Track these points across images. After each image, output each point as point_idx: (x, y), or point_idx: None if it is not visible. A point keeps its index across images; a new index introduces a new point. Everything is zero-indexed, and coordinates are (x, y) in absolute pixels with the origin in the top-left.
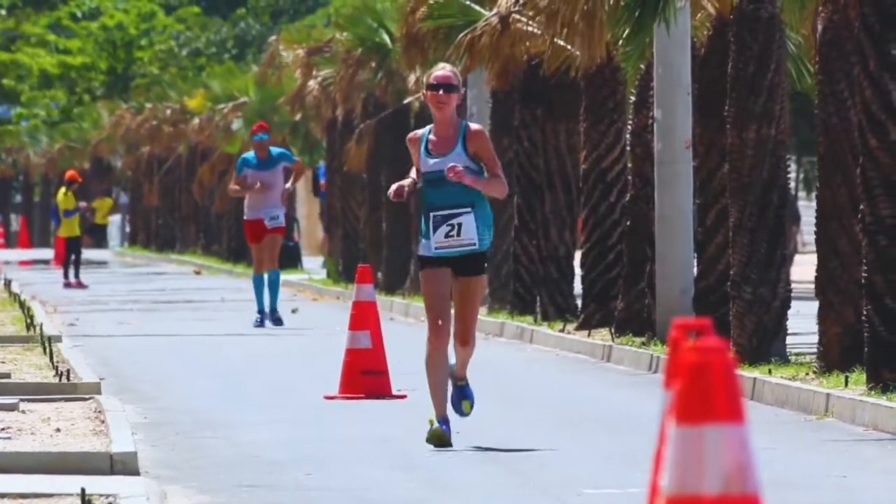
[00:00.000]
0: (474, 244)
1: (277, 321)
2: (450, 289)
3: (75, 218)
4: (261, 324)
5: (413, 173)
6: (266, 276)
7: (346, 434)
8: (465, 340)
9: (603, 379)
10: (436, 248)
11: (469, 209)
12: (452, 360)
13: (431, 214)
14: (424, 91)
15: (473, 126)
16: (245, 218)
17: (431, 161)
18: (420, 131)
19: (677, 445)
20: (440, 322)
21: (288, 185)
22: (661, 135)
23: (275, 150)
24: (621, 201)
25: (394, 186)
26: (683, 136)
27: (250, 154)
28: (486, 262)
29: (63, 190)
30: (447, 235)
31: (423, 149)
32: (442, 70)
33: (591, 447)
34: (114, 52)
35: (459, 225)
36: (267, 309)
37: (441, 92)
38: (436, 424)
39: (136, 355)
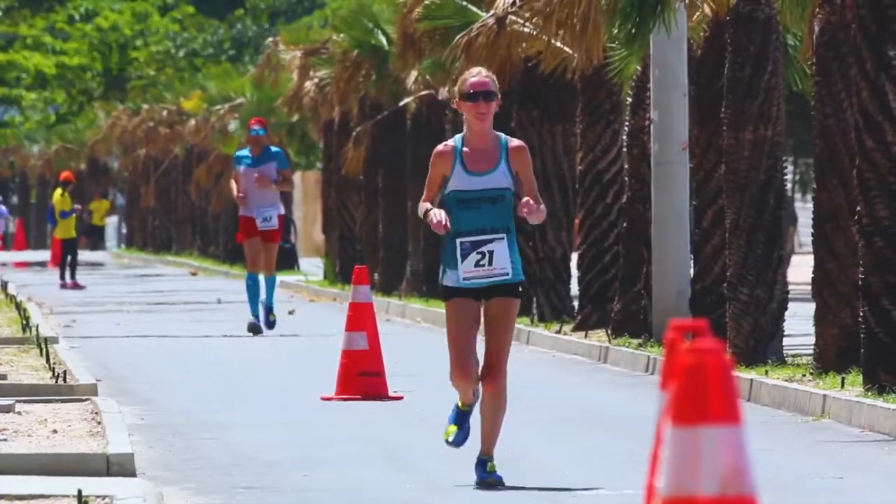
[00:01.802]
0: (507, 274)
1: (271, 324)
2: (479, 321)
3: (71, 219)
4: (256, 326)
5: (426, 204)
6: (261, 277)
7: (342, 435)
8: (495, 373)
9: (599, 380)
10: (464, 279)
11: (502, 236)
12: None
13: (459, 241)
14: (457, 100)
15: (514, 141)
16: (240, 214)
17: (471, 178)
18: (451, 143)
19: (674, 447)
20: (466, 358)
21: (273, 186)
22: (657, 136)
23: (272, 148)
24: (618, 203)
25: (436, 219)
26: (680, 138)
27: (245, 150)
28: (520, 288)
29: (59, 191)
30: (477, 265)
31: (458, 163)
32: (478, 76)
33: (588, 448)
34: (108, 54)
35: (491, 253)
36: (261, 311)
37: (481, 101)
38: (451, 437)
39: (133, 357)
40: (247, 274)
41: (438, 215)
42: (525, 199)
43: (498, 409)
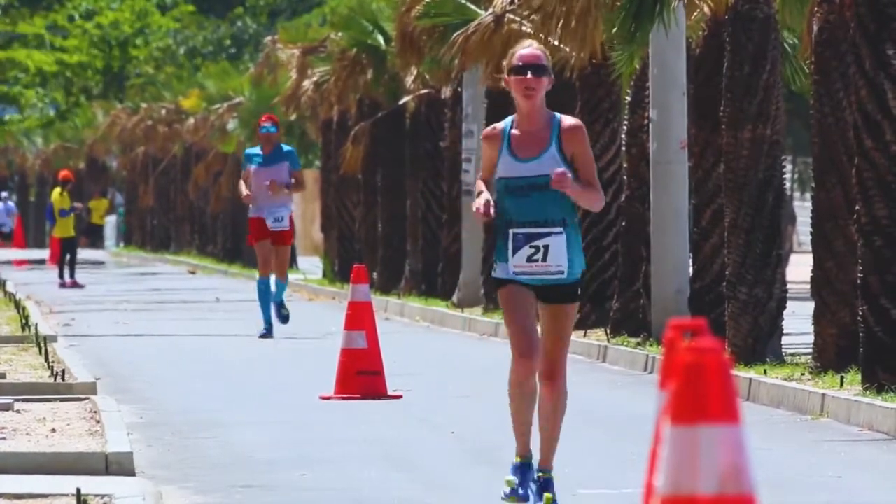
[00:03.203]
0: (562, 272)
1: (284, 318)
2: (535, 308)
3: (70, 218)
4: (267, 334)
5: (480, 184)
6: (272, 280)
7: (341, 434)
8: (554, 375)
9: (598, 379)
10: (514, 273)
11: (560, 228)
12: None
13: (511, 232)
14: (506, 76)
15: (569, 119)
16: (249, 215)
17: (518, 164)
18: (500, 125)
19: (672, 446)
20: (529, 335)
21: (286, 190)
22: (656, 135)
23: (285, 146)
24: (617, 201)
25: (480, 204)
26: (679, 137)
27: (256, 148)
28: (579, 290)
29: (58, 190)
30: (530, 259)
31: (505, 147)
32: (528, 48)
33: (587, 448)
34: (109, 51)
35: (546, 248)
36: (272, 312)
37: (529, 75)
38: (515, 484)
39: (132, 355)
40: (258, 279)
41: (479, 202)
42: (559, 169)
43: (558, 411)
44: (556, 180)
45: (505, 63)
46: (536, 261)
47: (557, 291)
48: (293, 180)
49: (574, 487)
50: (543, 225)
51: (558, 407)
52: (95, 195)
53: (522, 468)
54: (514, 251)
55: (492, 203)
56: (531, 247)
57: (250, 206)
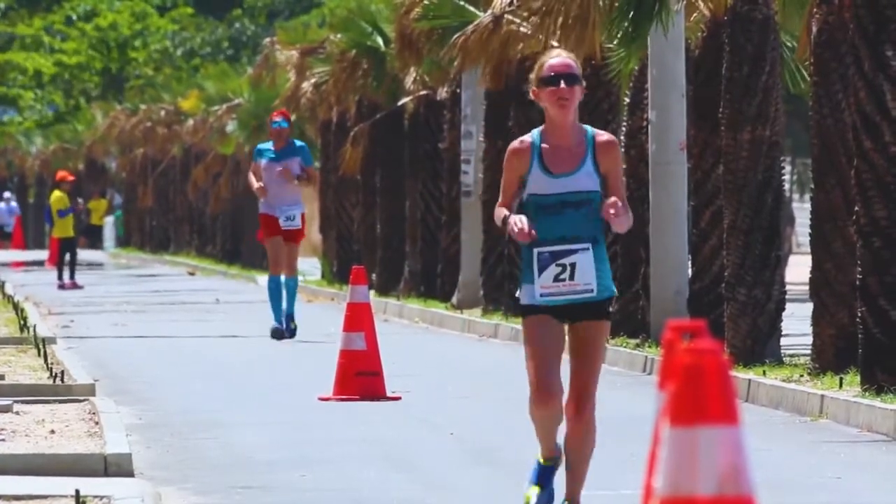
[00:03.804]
0: (591, 291)
1: (292, 332)
2: (563, 341)
3: (69, 218)
4: (279, 331)
5: (502, 210)
6: (283, 281)
7: (340, 435)
8: (582, 405)
9: None
10: (541, 295)
11: (588, 245)
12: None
13: (536, 251)
14: (534, 88)
15: (604, 134)
16: (260, 211)
17: (551, 180)
18: (528, 138)
19: (671, 447)
20: (550, 380)
21: (296, 182)
22: (655, 136)
23: (297, 142)
24: None
25: (517, 227)
26: (678, 138)
27: (267, 144)
28: (610, 307)
29: (57, 192)
30: (557, 279)
31: (536, 164)
32: (558, 57)
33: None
34: (108, 53)
35: (573, 266)
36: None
37: (562, 85)
38: (532, 501)
39: (131, 357)
40: (269, 277)
41: (520, 222)
42: (612, 199)
43: (587, 446)
44: (613, 213)
45: (532, 75)
46: (563, 280)
47: (586, 309)
48: (305, 175)
49: None
50: (571, 241)
51: (588, 442)
52: (95, 196)
53: (546, 472)
54: (541, 271)
55: (527, 226)
56: (557, 265)
57: (261, 200)
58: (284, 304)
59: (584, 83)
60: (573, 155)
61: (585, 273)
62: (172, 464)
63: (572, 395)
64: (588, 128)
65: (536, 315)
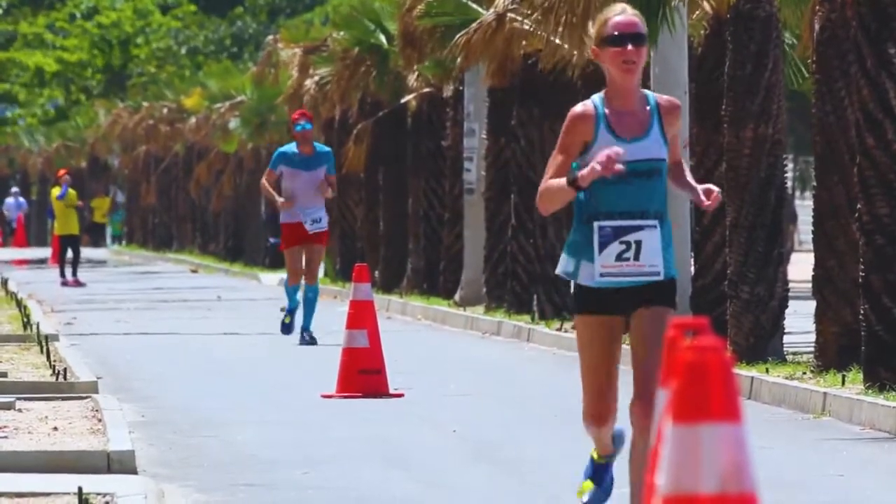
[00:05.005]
0: (658, 272)
1: (311, 340)
2: (621, 341)
3: (74, 215)
4: (289, 326)
5: (551, 181)
6: (302, 291)
7: (342, 433)
8: (648, 398)
9: None
10: (601, 276)
11: (655, 222)
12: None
13: (597, 225)
14: (594, 47)
15: (665, 97)
16: (282, 221)
17: (623, 146)
18: (589, 104)
19: (674, 444)
20: (607, 393)
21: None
22: None
23: (320, 147)
24: None
25: (604, 156)
26: (680, 136)
27: (290, 147)
28: (675, 292)
29: (57, 189)
30: (620, 258)
31: (602, 128)
32: (622, 14)
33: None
34: (110, 51)
35: (639, 244)
36: (298, 326)
37: (630, 46)
38: (585, 497)
39: (134, 354)
40: (286, 287)
41: (603, 155)
42: (707, 186)
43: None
44: (709, 204)
45: (593, 31)
46: (627, 259)
47: (652, 291)
48: (326, 184)
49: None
50: (638, 216)
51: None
52: (98, 194)
53: (600, 468)
54: (602, 248)
55: (614, 156)
56: (621, 242)
57: (282, 211)
58: (301, 317)
59: (648, 43)
60: (639, 121)
61: (651, 253)
62: (175, 461)
63: (638, 392)
64: (648, 92)
65: (592, 315)
